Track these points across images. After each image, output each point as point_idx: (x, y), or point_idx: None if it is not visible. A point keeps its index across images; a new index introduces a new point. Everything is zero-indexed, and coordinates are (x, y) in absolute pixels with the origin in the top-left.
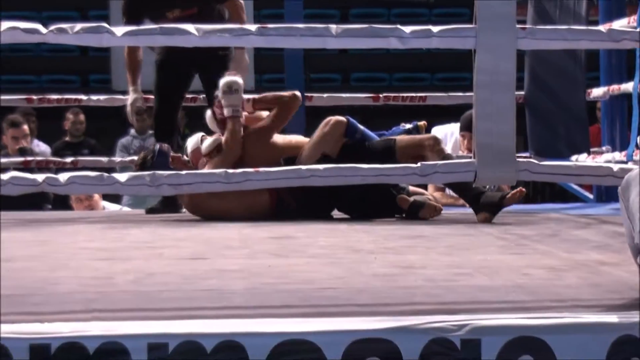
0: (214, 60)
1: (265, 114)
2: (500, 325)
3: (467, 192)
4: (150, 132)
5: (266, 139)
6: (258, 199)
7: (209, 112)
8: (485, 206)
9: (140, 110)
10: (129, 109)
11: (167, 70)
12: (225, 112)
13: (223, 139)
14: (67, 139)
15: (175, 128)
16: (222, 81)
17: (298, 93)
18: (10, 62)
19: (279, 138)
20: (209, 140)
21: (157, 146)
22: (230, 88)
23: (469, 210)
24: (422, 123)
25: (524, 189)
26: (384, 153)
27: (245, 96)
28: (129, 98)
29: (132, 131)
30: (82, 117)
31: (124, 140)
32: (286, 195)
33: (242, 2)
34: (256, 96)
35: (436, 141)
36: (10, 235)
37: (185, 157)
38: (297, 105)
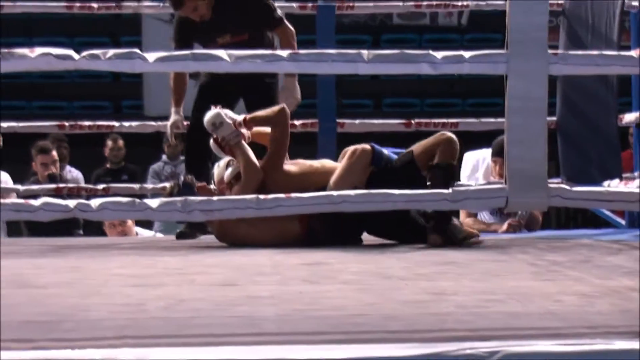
0: (259, 88)
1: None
2: (532, 352)
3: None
4: (182, 157)
5: (278, 166)
6: (288, 226)
7: (212, 142)
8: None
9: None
10: (168, 131)
11: (210, 93)
12: (225, 144)
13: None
14: (107, 165)
15: (209, 154)
16: (205, 122)
17: (285, 107)
18: (42, 88)
19: (301, 165)
20: (229, 169)
21: (182, 178)
22: (215, 124)
23: (502, 236)
24: None
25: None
26: (407, 169)
27: (237, 117)
28: (170, 119)
29: (164, 157)
30: (120, 143)
31: (155, 167)
32: (316, 222)
33: (292, 29)
34: (247, 116)
35: (449, 137)
36: (41, 262)
37: (212, 186)
38: (287, 118)
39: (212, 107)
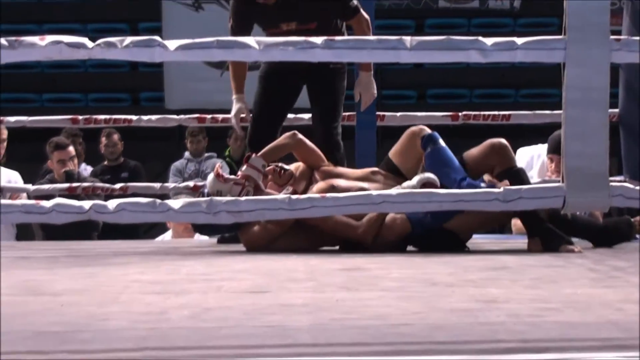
0: (324, 73)
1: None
2: None
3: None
4: (207, 154)
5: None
6: (329, 241)
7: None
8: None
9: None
10: (233, 120)
11: (272, 82)
12: (257, 175)
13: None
14: (105, 162)
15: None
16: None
17: (295, 132)
18: (54, 80)
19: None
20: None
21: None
22: (220, 193)
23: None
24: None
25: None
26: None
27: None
28: (233, 108)
29: (187, 154)
30: (115, 137)
31: (177, 164)
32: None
33: (367, 18)
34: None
35: (501, 143)
36: (56, 268)
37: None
38: (297, 137)
39: (211, 176)
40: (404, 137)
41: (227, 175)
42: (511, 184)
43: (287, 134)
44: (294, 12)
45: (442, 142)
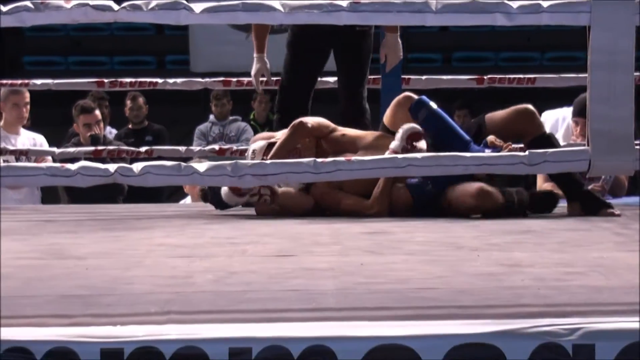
0: (351, 36)
1: None
2: (616, 330)
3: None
4: (231, 117)
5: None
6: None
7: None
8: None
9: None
10: (253, 80)
11: (301, 47)
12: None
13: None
14: (129, 126)
15: (306, 113)
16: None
17: (299, 123)
18: (80, 43)
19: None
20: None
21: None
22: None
23: None
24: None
25: None
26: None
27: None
28: (254, 67)
29: (212, 117)
30: (141, 101)
31: (202, 127)
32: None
33: None
34: (264, 135)
35: (529, 109)
36: (81, 231)
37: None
38: (306, 131)
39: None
40: (392, 108)
41: (242, 189)
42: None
43: (294, 125)
44: None
45: (433, 105)
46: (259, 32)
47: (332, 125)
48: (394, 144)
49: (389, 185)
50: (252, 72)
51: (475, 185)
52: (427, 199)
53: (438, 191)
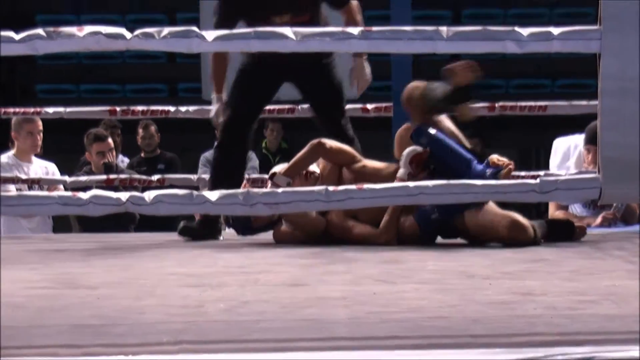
0: (314, 69)
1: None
2: (628, 358)
3: None
4: None
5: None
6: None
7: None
8: None
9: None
10: (215, 120)
11: (254, 75)
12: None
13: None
14: (141, 154)
15: (249, 143)
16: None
17: (320, 142)
18: (92, 71)
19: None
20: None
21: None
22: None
23: (594, 230)
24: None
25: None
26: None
27: (278, 169)
28: (213, 108)
29: (217, 143)
30: (153, 129)
31: (207, 154)
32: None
33: (357, 3)
34: (283, 169)
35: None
36: (92, 260)
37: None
38: (324, 146)
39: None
40: (396, 142)
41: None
42: None
43: (313, 143)
44: (288, 2)
45: (431, 130)
46: (218, 70)
47: (356, 154)
48: (400, 172)
49: (396, 213)
50: (211, 114)
51: (509, 218)
52: (434, 228)
53: (444, 219)
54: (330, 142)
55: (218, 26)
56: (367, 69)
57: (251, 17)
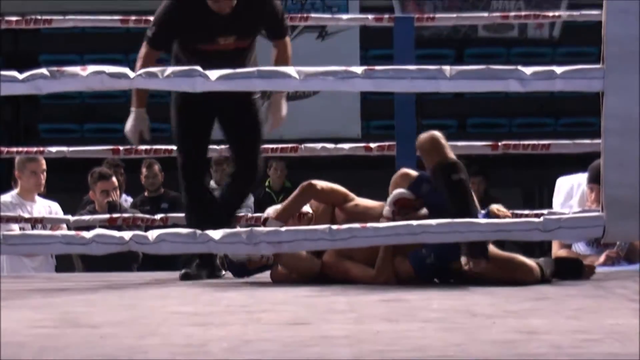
0: (236, 105)
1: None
2: None
3: None
4: None
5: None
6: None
7: None
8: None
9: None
10: (130, 135)
11: (192, 113)
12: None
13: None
14: (145, 193)
15: (206, 175)
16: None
17: (311, 183)
18: (95, 110)
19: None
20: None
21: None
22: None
23: (599, 269)
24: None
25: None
26: None
27: (271, 212)
28: (129, 122)
29: (212, 183)
30: (156, 168)
31: None
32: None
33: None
34: (275, 213)
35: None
36: (95, 299)
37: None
38: (317, 192)
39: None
40: (391, 186)
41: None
42: None
43: (303, 185)
44: (237, 25)
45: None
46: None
47: (348, 193)
48: (385, 210)
49: (389, 253)
50: (126, 129)
51: (512, 260)
52: (429, 272)
53: (441, 265)
54: (321, 183)
55: (152, 42)
56: (284, 106)
57: (192, 35)
